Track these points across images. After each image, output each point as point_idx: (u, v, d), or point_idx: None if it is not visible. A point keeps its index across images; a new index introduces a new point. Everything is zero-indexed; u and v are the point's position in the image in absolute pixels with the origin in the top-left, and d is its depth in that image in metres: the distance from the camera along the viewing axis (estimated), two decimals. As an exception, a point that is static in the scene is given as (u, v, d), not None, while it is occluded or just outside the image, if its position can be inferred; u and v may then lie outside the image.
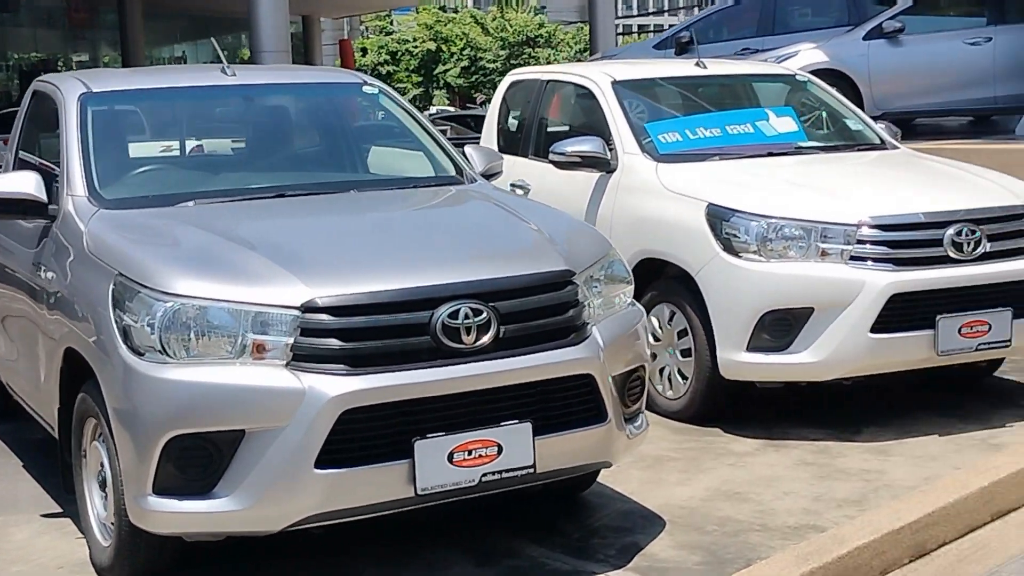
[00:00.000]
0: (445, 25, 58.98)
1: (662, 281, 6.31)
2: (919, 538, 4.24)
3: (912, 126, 14.94)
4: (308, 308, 3.79)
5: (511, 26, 57.45)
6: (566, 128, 7.57)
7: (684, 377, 6.20)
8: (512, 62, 51.93)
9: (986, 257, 5.84)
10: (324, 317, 3.80)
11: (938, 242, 5.76)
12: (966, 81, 12.72)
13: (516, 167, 7.56)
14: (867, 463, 5.48)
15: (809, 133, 7.13)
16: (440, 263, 4.10)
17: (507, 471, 3.98)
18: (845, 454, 5.62)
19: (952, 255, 5.77)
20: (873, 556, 4.09)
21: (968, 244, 5.79)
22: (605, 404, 4.22)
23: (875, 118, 12.98)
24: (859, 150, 7.11)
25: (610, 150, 6.78)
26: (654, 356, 6.40)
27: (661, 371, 6.37)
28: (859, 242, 5.73)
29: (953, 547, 4.46)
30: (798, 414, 6.25)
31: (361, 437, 3.79)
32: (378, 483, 3.83)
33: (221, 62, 5.55)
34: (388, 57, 59.94)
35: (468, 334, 3.92)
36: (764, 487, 5.21)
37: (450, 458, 3.88)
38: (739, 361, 5.84)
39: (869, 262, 5.72)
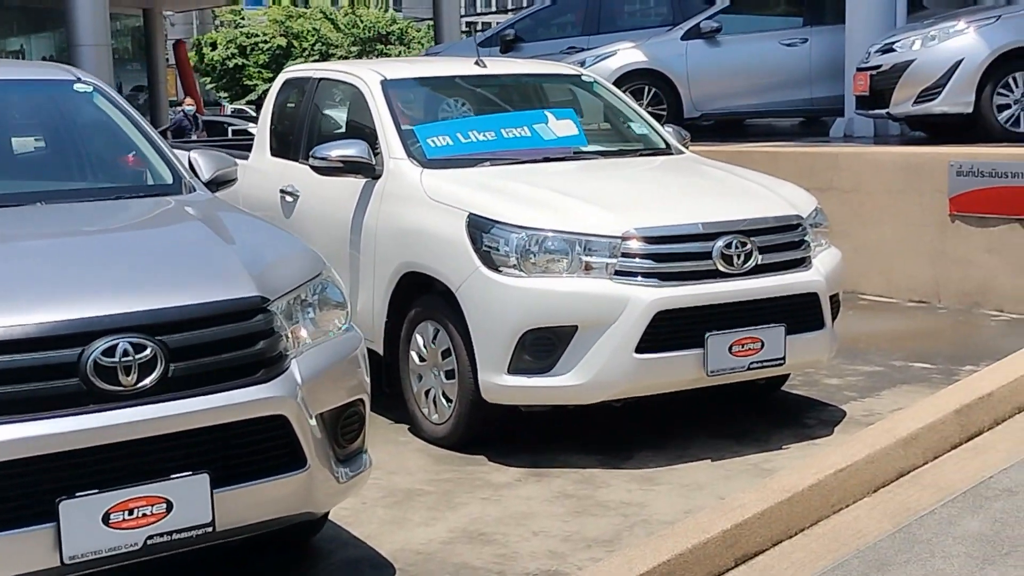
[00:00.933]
0: (296, 20, 57.77)
1: (426, 297, 5.84)
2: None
3: (743, 127, 14.89)
4: None
5: (362, 22, 56.48)
6: (340, 131, 7.06)
7: (449, 400, 5.74)
8: (365, 58, 51.08)
9: (758, 270, 5.52)
10: None
11: (707, 255, 5.42)
12: (783, 82, 12.62)
13: (288, 172, 7.04)
14: (630, 494, 5.10)
15: (591, 137, 6.75)
16: (96, 292, 3.55)
17: (178, 531, 3.45)
18: (610, 483, 5.24)
19: (721, 269, 5.43)
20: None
21: (738, 257, 5.46)
22: (303, 448, 3.72)
23: (695, 119, 13.04)
24: (642, 155, 6.75)
25: (376, 155, 6.29)
26: (420, 377, 5.95)
27: (427, 393, 5.91)
28: (624, 256, 5.35)
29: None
30: (571, 437, 5.86)
31: None
32: (15, 552, 3.27)
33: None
34: (237, 51, 58.50)
35: (127, 374, 3.38)
36: (514, 525, 4.78)
37: (105, 519, 3.33)
38: (500, 384, 5.41)
39: (635, 277, 5.34)
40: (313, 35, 57.08)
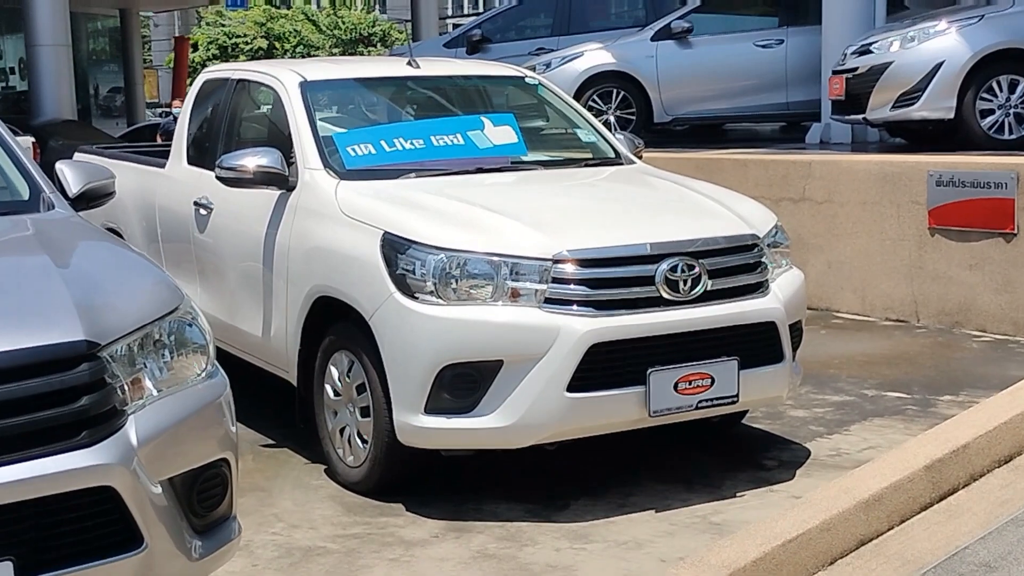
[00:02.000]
0: (277, 21, 57.09)
1: (341, 324, 5.21)
2: None
3: (722, 132, 14.29)
4: None
5: (344, 23, 55.87)
6: (259, 137, 6.42)
7: (365, 441, 5.12)
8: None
9: (707, 297, 4.90)
10: None
11: (649, 280, 4.80)
12: (758, 85, 12.04)
13: (202, 182, 6.39)
14: (559, 554, 4.47)
15: (532, 145, 6.12)
16: None
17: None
18: (538, 540, 4.61)
19: (666, 295, 4.81)
20: None
21: (685, 282, 4.84)
22: (138, 525, 3.09)
23: (666, 124, 12.44)
24: (589, 166, 6.13)
25: (291, 164, 5.66)
26: (335, 413, 5.32)
27: (341, 431, 5.28)
28: (555, 281, 4.73)
29: None
30: (500, 481, 5.23)
31: None
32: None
33: None
34: (218, 52, 57.77)
35: None
36: (418, 596, 4.16)
37: None
38: (416, 425, 4.79)
39: (568, 305, 4.72)
40: (295, 37, 56.47)
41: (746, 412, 5.80)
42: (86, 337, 3.09)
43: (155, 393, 3.27)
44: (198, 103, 6.92)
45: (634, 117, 12.00)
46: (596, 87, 12.07)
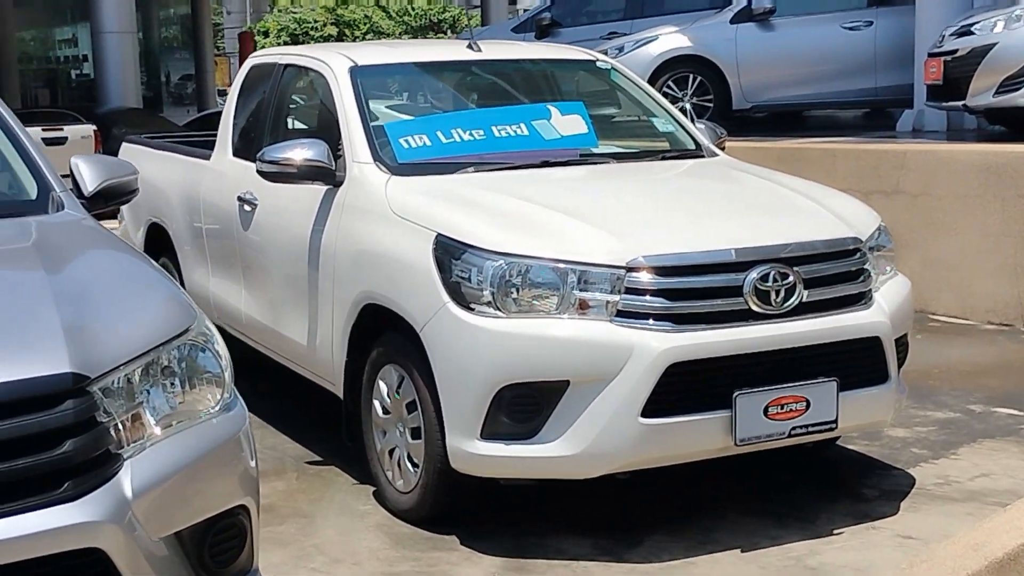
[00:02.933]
0: (347, 8, 56.96)
1: (390, 335, 4.70)
2: None
3: (801, 120, 13.58)
4: None
5: (414, 9, 55.58)
6: (307, 127, 5.94)
7: (416, 465, 4.61)
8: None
9: (802, 310, 4.31)
10: None
11: (736, 290, 4.22)
12: (844, 70, 11.33)
13: (247, 175, 5.88)
14: (631, 602, 3.93)
15: (604, 136, 5.55)
16: None
17: None
18: (607, 584, 4.07)
19: (755, 308, 4.23)
20: None
21: (777, 293, 4.25)
22: (130, 591, 2.60)
23: (745, 111, 11.78)
24: (666, 159, 5.55)
25: (339, 157, 5.16)
26: (384, 433, 4.82)
27: (391, 453, 4.78)
28: (629, 291, 4.17)
29: None
30: (567, 512, 4.70)
31: None
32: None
33: None
34: (288, 39, 57.79)
35: None
36: (474, 651, 3.64)
37: None
38: (471, 452, 4.26)
39: (644, 319, 4.16)
40: (365, 23, 56.30)
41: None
42: (73, 369, 2.60)
43: (158, 432, 2.78)
44: (244, 90, 6.45)
45: (711, 104, 11.40)
46: (671, 72, 11.48)
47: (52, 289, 2.91)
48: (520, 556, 4.32)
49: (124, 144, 8.01)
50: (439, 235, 4.41)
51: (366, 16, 56.31)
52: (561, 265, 4.20)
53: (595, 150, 5.41)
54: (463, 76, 5.94)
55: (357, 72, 5.45)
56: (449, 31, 54.64)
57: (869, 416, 4.54)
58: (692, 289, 4.21)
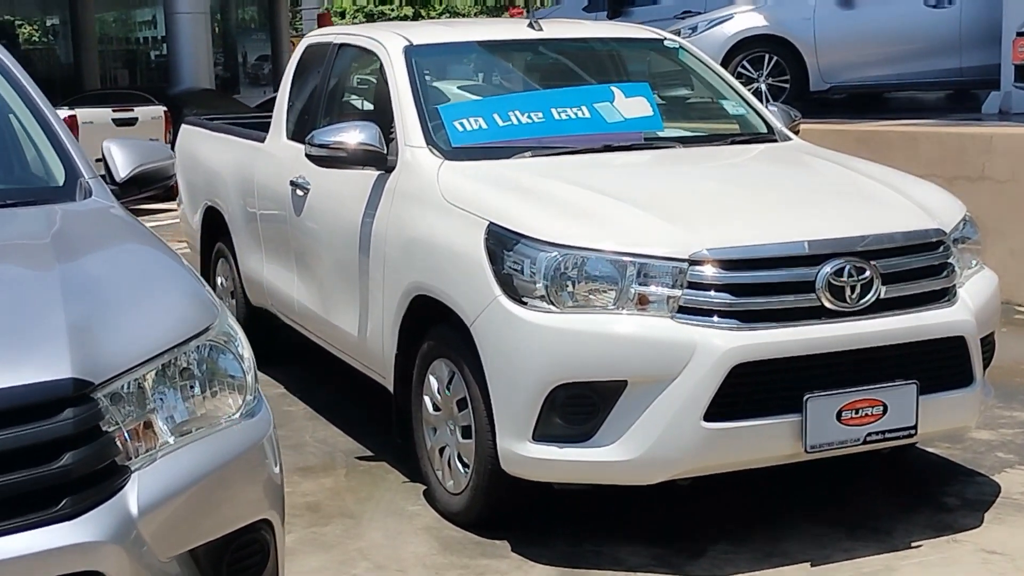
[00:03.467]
0: (424, -12, 56.83)
1: (441, 328, 4.48)
2: None
3: (882, 101, 13.12)
4: None
5: (489, -11, 55.24)
6: (357, 110, 5.73)
7: (466, 465, 4.38)
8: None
9: (880, 307, 4.00)
10: None
11: (808, 286, 3.93)
12: (927, 50, 10.87)
13: (301, 159, 5.65)
14: (692, 619, 3.67)
15: (671, 118, 5.28)
16: None
17: None
18: (667, 597, 3.82)
19: (828, 305, 3.93)
20: None
21: (853, 288, 3.95)
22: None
23: (823, 92, 11.37)
24: (736, 143, 5.25)
25: (391, 141, 4.94)
26: (435, 430, 4.60)
27: (441, 451, 4.56)
28: (692, 286, 3.89)
29: None
30: (621, 519, 4.44)
31: None
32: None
33: None
34: (365, 20, 57.81)
35: None
36: (520, 670, 3.40)
37: None
38: (523, 455, 4.02)
39: (708, 316, 3.88)
40: (441, 3, 56.10)
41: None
42: (74, 375, 2.40)
43: (171, 441, 2.57)
44: (300, 71, 6.25)
45: (788, 85, 11.02)
46: (746, 52, 11.11)
47: (62, 286, 2.71)
48: (575, 566, 4.09)
49: (183, 125, 7.88)
50: (491, 224, 4.17)
51: (442, -4, 56.07)
52: (619, 257, 3.93)
53: (661, 134, 5.13)
54: (523, 56, 5.68)
55: (412, 52, 5.22)
56: (526, 10, 54.27)
57: (952, 421, 4.23)
58: (760, 284, 3.92)
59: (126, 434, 2.48)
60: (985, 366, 4.39)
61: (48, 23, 33.69)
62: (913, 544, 4.17)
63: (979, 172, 7.95)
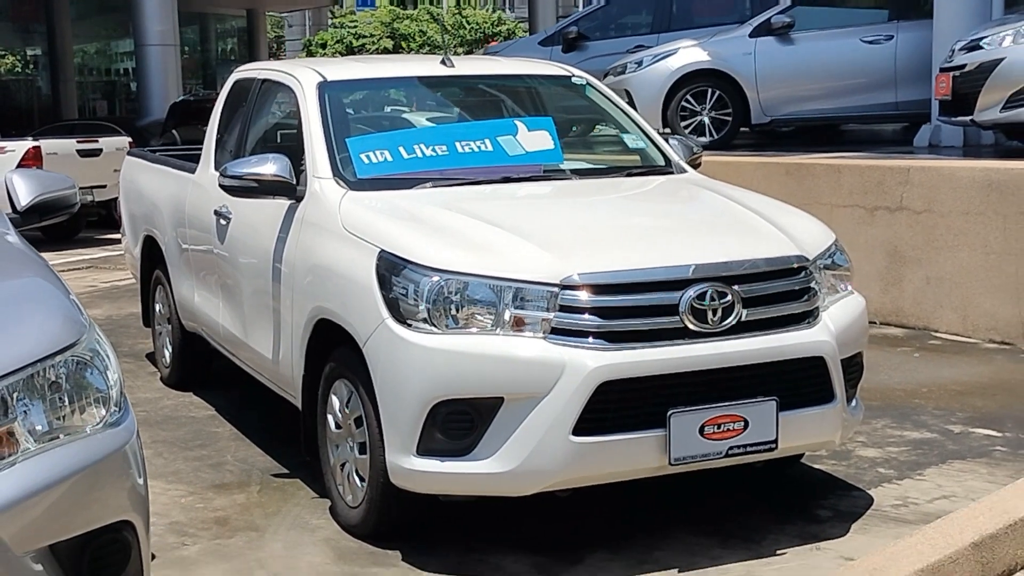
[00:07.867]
0: (403, 22, 57.32)
1: (341, 350, 4.73)
2: None
3: (838, 132, 13.41)
4: None
5: (468, 23, 55.80)
6: (274, 143, 5.99)
7: (363, 479, 4.62)
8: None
9: (741, 328, 4.27)
10: None
11: (672, 309, 4.19)
12: (864, 84, 11.19)
13: (225, 189, 5.95)
14: (557, 622, 3.91)
15: (574, 151, 5.56)
16: None
17: None
18: (538, 603, 4.05)
19: (692, 327, 4.20)
20: None
21: (715, 311, 4.22)
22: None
23: (764, 125, 11.69)
24: (632, 175, 5.53)
25: (301, 172, 5.20)
26: (337, 447, 4.84)
27: (342, 467, 4.79)
28: (563, 309, 4.16)
29: None
30: (512, 527, 4.68)
31: None
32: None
33: None
34: (344, 51, 58.25)
35: None
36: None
37: None
38: (408, 468, 4.27)
39: (579, 337, 4.14)
40: (420, 37, 56.57)
41: (803, 452, 5.13)
42: None
43: (31, 447, 2.81)
44: (228, 104, 6.53)
45: (730, 118, 11.31)
46: (690, 86, 11.40)
47: None
48: (460, 572, 4.32)
49: (127, 157, 8.15)
50: (382, 251, 4.43)
51: (421, 30, 56.59)
52: (496, 282, 4.19)
53: (560, 166, 5.40)
54: (434, 92, 5.96)
55: (325, 87, 5.50)
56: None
57: (814, 436, 4.48)
58: (627, 307, 4.19)
59: (-12, 440, 2.72)
60: (854, 384, 4.65)
61: (29, 53, 34.00)
62: (778, 552, 4.42)
63: (897, 203, 8.26)
